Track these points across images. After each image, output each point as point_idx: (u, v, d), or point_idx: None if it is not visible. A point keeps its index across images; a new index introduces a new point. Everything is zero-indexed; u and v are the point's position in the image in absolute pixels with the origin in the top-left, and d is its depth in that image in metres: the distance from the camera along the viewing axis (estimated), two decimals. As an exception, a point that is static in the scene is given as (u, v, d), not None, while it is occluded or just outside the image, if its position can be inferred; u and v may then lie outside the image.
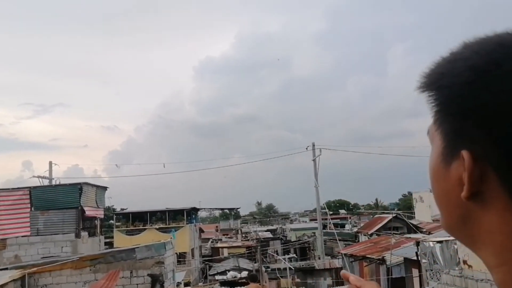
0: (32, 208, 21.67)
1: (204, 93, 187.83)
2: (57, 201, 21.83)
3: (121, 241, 32.54)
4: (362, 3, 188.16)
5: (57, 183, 26.20)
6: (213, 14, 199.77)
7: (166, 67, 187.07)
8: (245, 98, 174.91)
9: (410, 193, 58.69)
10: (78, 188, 22.15)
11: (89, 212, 22.50)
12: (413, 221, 34.31)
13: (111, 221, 41.33)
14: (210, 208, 63.56)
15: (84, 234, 21.96)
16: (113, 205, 50.13)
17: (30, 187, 22.71)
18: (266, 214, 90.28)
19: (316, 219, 41.17)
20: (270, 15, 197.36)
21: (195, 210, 41.73)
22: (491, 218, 0.57)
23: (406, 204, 63.29)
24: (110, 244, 30.97)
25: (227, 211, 68.83)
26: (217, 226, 58.43)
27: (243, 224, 63.70)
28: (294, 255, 36.30)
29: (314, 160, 35.35)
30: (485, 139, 0.56)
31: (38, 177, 29.81)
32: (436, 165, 0.63)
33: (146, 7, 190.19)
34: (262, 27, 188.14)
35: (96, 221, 24.17)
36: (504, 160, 0.55)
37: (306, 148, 36.51)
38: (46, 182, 29.02)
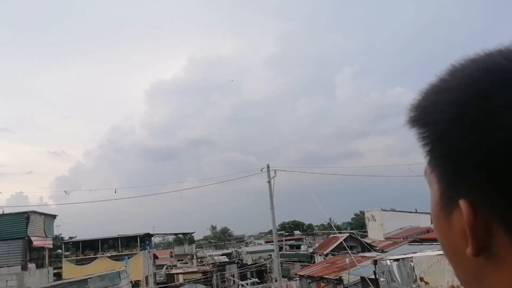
0: (-27, 240, 20.38)
1: (156, 116, 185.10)
2: (1, 231, 20.61)
3: (71, 271, 31.00)
4: (311, 28, 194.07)
5: (1, 212, 24.80)
6: (164, 36, 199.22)
7: (116, 90, 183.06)
8: (198, 120, 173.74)
9: (362, 212, 60.12)
10: (24, 217, 21.06)
11: (36, 242, 21.37)
12: (367, 240, 35.08)
13: (59, 251, 39.51)
14: (164, 234, 62.26)
15: (32, 266, 20.79)
16: (61, 234, 48.00)
17: (-29, 218, 21.40)
18: (221, 237, 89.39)
19: (271, 241, 41.10)
20: (222, 39, 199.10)
21: (148, 236, 40.76)
22: (504, 278, 0.47)
23: (359, 223, 64.72)
24: (58, 276, 29.49)
25: (181, 236, 67.43)
26: (171, 252, 57.17)
27: (198, 249, 62.57)
28: (257, 279, 35.98)
29: (269, 181, 35.49)
30: (485, 184, 0.46)
31: (-20, 206, 28.10)
32: (436, 212, 0.54)
33: (95, 31, 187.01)
34: (214, 50, 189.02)
35: (44, 251, 22.99)
36: (508, 209, 0.45)
37: (261, 170, 36.60)
38: (-12, 212, 27.42)
